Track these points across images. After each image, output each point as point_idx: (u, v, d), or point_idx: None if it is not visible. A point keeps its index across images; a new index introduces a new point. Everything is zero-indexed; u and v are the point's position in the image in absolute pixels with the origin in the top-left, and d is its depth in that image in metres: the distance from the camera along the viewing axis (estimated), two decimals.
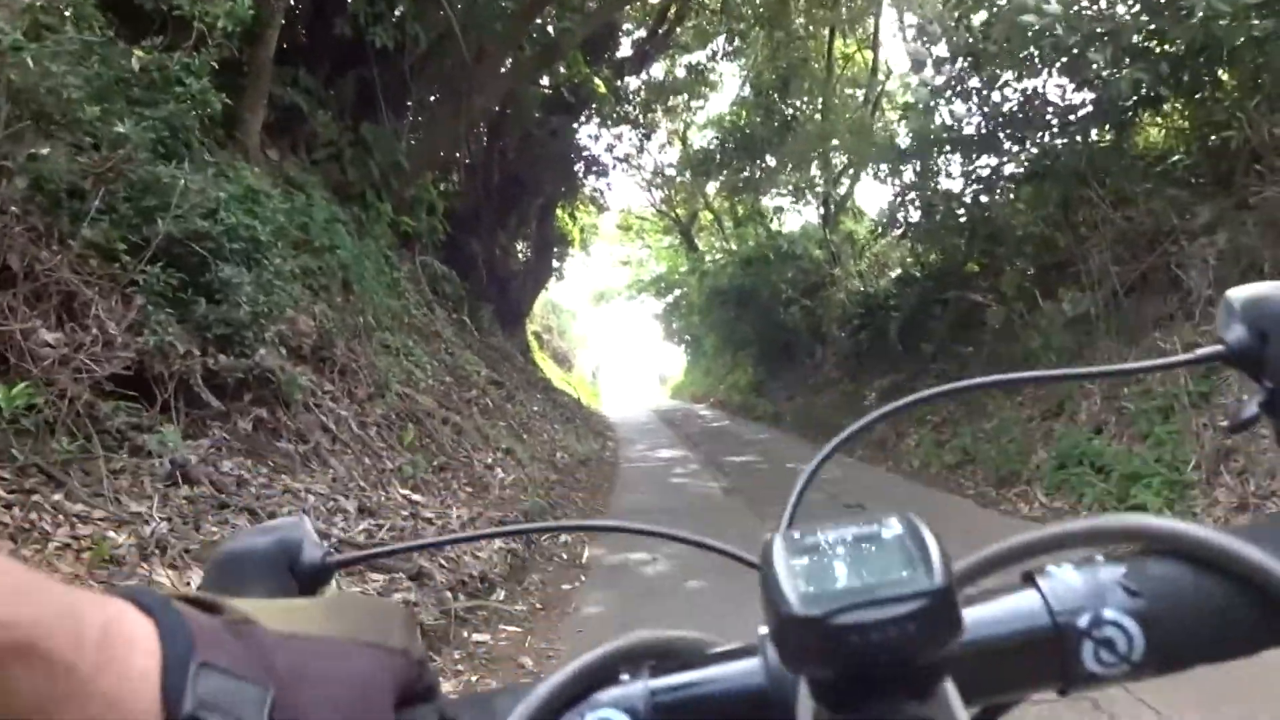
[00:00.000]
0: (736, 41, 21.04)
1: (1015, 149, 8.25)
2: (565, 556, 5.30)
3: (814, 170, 19.66)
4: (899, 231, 10.81)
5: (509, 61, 10.94)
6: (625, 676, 0.38)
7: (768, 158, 18.49)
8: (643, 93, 21.41)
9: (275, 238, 5.08)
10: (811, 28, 19.21)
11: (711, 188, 27.68)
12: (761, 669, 0.37)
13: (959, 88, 8.18)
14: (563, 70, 18.71)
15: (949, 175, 9.64)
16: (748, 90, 20.76)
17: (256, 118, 8.01)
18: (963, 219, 9.28)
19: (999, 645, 0.36)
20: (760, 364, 20.87)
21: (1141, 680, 0.37)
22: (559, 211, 23.37)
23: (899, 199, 10.17)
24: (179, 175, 4.35)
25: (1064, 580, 0.37)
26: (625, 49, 20.85)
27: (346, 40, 10.42)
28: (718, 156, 19.16)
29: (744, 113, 19.33)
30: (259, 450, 4.58)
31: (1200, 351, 0.48)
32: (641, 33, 20.69)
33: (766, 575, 0.32)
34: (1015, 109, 8.03)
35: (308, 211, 7.68)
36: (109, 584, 2.84)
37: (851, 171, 18.44)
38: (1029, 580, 0.37)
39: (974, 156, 8.68)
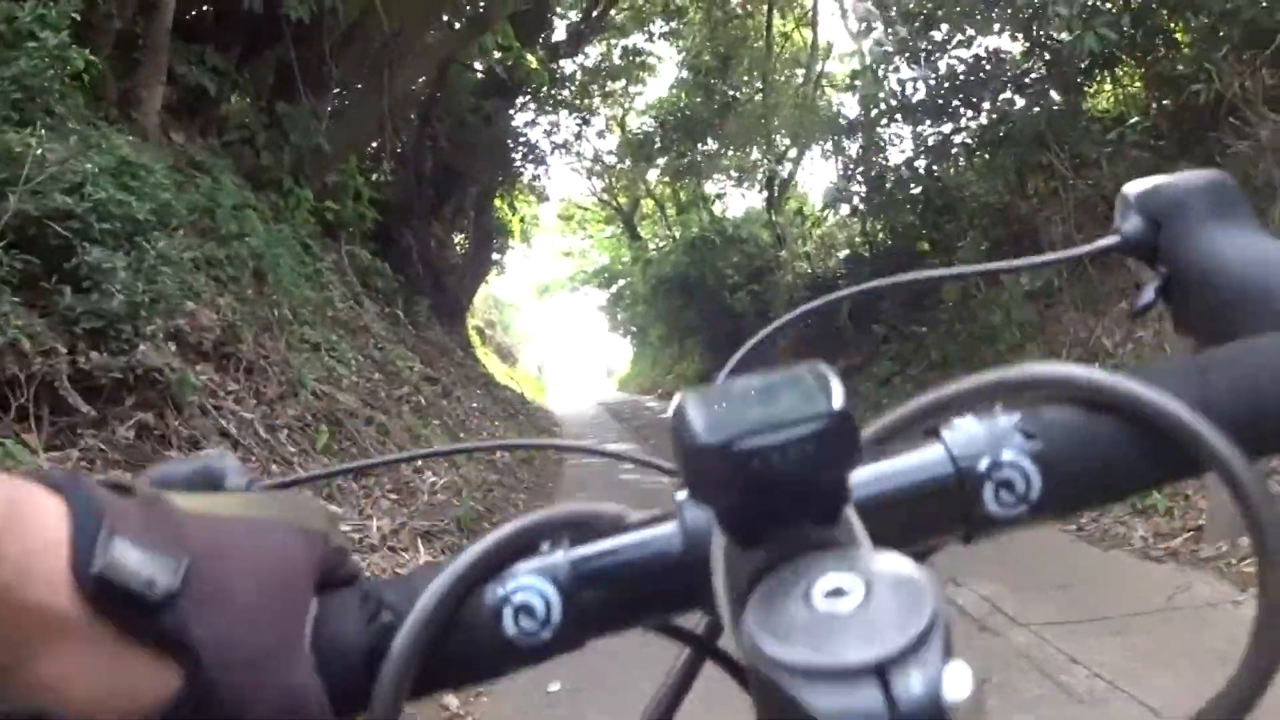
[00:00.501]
0: (674, 23, 20.59)
1: (968, 114, 7.88)
2: None
3: (756, 152, 19.26)
4: (847, 208, 10.39)
5: (433, 34, 10.28)
6: (545, 547, 0.38)
7: (709, 140, 18.00)
8: (579, 76, 20.85)
9: (159, 217, 4.45)
10: (749, 6, 18.81)
11: (653, 175, 27.24)
12: (678, 530, 0.37)
13: (910, 50, 7.77)
14: (496, 52, 18.12)
15: (897, 147, 9.27)
16: (686, 73, 20.28)
17: (154, 95, 7.33)
18: (915, 191, 8.88)
19: (906, 494, 0.37)
20: (708, 352, 20.45)
21: (1041, 522, 0.37)
22: (498, 201, 22.70)
23: (847, 174, 9.75)
24: (32, 143, 3.72)
25: (965, 429, 0.37)
26: (560, 33, 20.34)
27: (258, 17, 9.74)
28: (657, 140, 18.64)
29: (683, 95, 18.85)
30: (142, 460, 3.97)
31: (1100, 242, 0.50)
32: (575, 15, 20.16)
33: (678, 417, 0.32)
34: (967, 71, 7.65)
35: (213, 196, 7.02)
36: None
37: (795, 151, 18.06)
38: (933, 434, 0.38)
39: (925, 123, 8.30)
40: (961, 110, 7.88)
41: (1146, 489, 0.39)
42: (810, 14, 18.60)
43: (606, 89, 22.79)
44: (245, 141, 8.68)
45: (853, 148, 10.16)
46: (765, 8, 18.22)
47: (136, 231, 4.16)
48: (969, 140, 7.94)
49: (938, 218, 8.80)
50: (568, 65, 20.78)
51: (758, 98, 17.13)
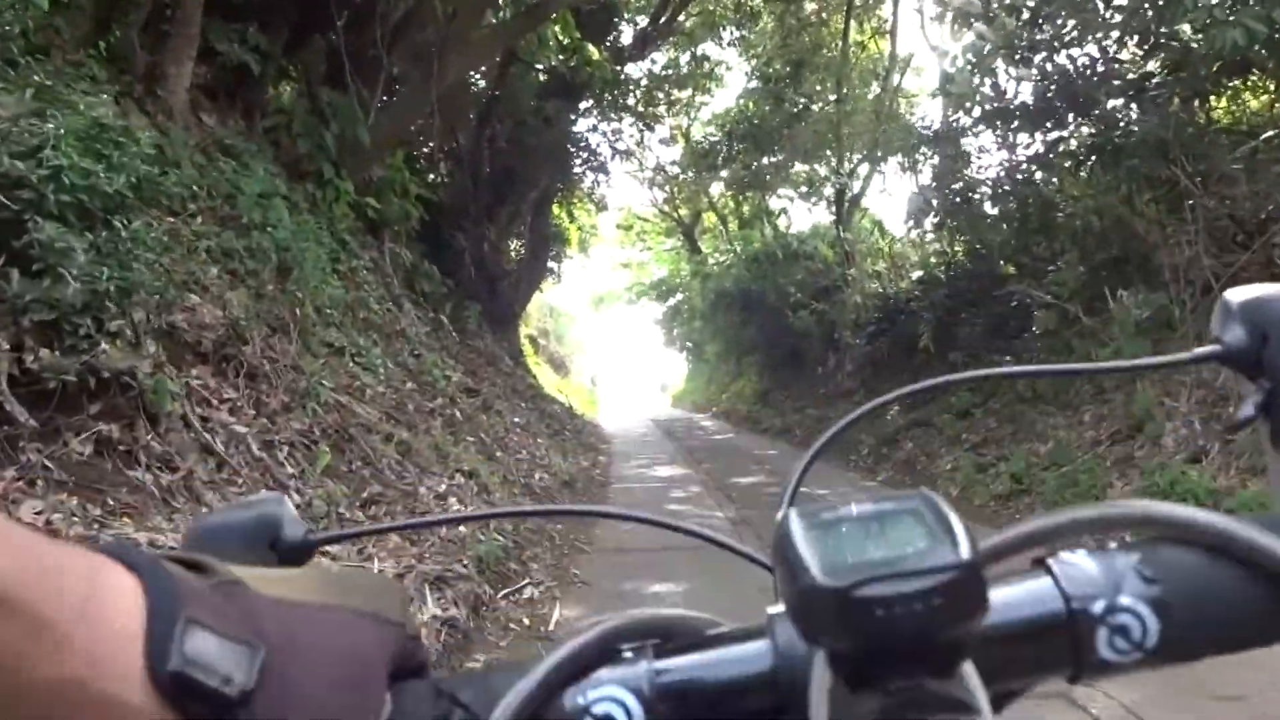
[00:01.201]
0: (745, 31, 19.84)
1: (1076, 121, 6.98)
2: (526, 622, 4.05)
3: (825, 166, 18.42)
4: (932, 223, 9.51)
5: (489, 23, 9.64)
6: (628, 654, 0.37)
7: (777, 151, 17.19)
8: (645, 83, 20.18)
9: (139, 194, 3.82)
10: (825, 14, 18.00)
11: (716, 188, 26.50)
12: (769, 650, 0.36)
13: (1013, 47, 6.92)
14: (560, 54, 17.54)
15: (989, 156, 8.36)
16: (755, 82, 19.51)
17: (183, 72, 6.78)
18: (1010, 206, 7.97)
19: (1012, 630, 0.35)
20: (767, 372, 19.62)
21: (1155, 669, 0.35)
22: (555, 208, 22.11)
23: (933, 185, 8.87)
24: None
25: (1079, 566, 0.36)
26: (627, 37, 19.71)
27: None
28: (723, 149, 17.86)
29: (751, 104, 18.06)
30: (97, 483, 3.33)
31: (1198, 351, 0.48)
32: (643, 20, 19.51)
33: (783, 549, 0.31)
34: (1077, 74, 6.78)
35: (237, 182, 6.45)
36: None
37: (865, 167, 17.18)
38: (1042, 565, 0.36)
39: (1024, 131, 7.43)
40: (1068, 117, 6.99)
41: (1270, 643, 0.36)
42: (889, 23, 17.73)
43: (672, 97, 22.12)
44: (283, 128, 8.12)
45: (935, 159, 9.28)
46: (842, 15, 17.42)
47: (109, 208, 3.52)
48: (1077, 150, 7.03)
49: (1031, 237, 7.88)
50: (634, 71, 20.19)
51: (830, 108, 16.27)
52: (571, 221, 23.49)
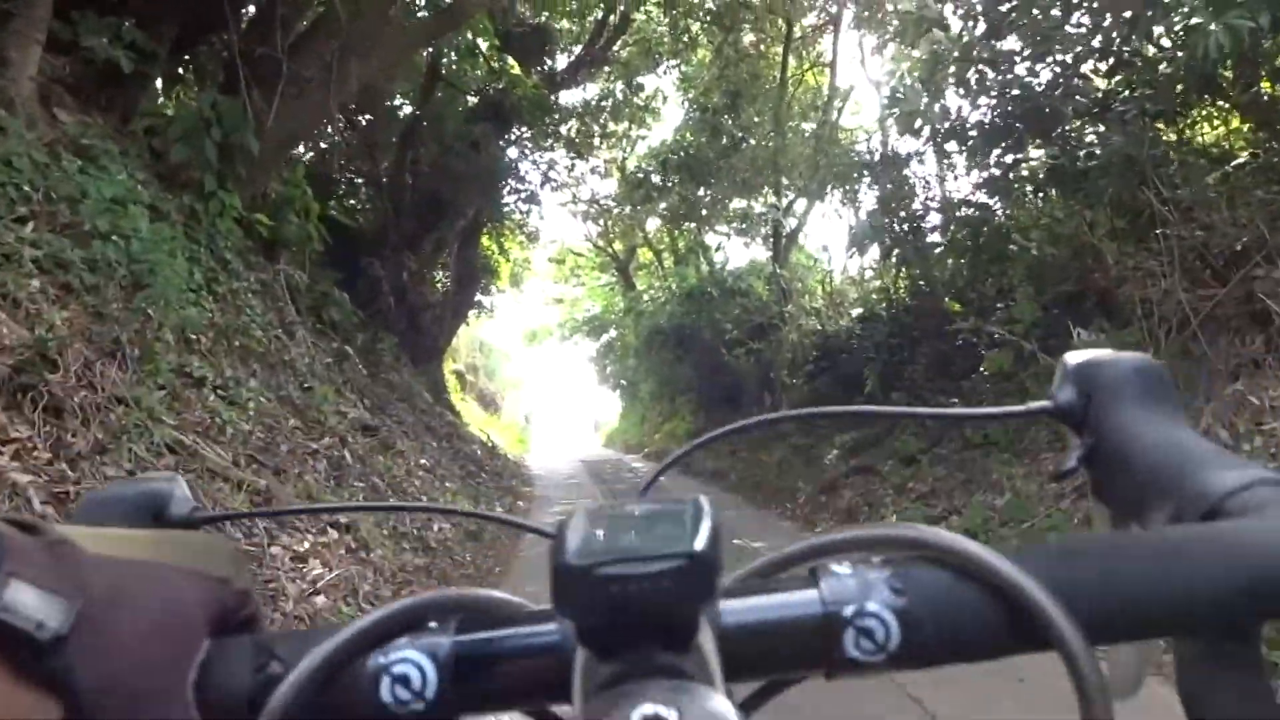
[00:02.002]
0: (680, 61, 19.35)
1: (1037, 141, 6.38)
2: None
3: (762, 201, 17.90)
4: (873, 255, 8.89)
5: (397, 24, 8.83)
6: (433, 625, 0.40)
7: (713, 183, 16.61)
8: (579, 113, 19.55)
9: None
10: (763, 46, 17.58)
11: (652, 224, 25.90)
12: (558, 629, 0.39)
13: (970, 59, 6.33)
14: (487, 75, 16.81)
15: (939, 182, 7.78)
16: (692, 113, 19.00)
17: (27, 58, 5.88)
18: (962, 235, 7.36)
19: (775, 628, 0.39)
20: (701, 412, 18.90)
21: (899, 671, 0.39)
22: (485, 239, 21.27)
23: (878, 211, 8.24)
24: None
25: (839, 576, 0.39)
26: (562, 64, 19.08)
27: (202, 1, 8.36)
28: (657, 179, 17.24)
29: (688, 134, 17.50)
30: None
31: (1031, 405, 0.53)
32: (578, 49, 18.92)
33: (558, 536, 0.34)
34: (1040, 90, 6.21)
35: (86, 185, 5.53)
36: None
37: (803, 202, 16.69)
38: (811, 573, 0.40)
39: (982, 153, 6.84)
40: (1025, 138, 6.39)
41: (1000, 656, 0.40)
42: (829, 57, 17.38)
43: (608, 129, 21.51)
44: (160, 132, 7.20)
45: (878, 188, 8.70)
46: (781, 47, 17.01)
47: None
48: (1034, 173, 6.42)
49: (985, 268, 7.27)
50: (568, 99, 19.55)
51: (768, 140, 15.76)
52: (502, 254, 22.66)
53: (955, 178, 7.89)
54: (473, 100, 17.08)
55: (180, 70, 8.94)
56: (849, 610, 0.38)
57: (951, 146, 7.03)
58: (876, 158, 8.65)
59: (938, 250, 7.54)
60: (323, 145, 16.11)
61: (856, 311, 12.85)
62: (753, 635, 0.39)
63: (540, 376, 56.37)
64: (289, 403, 6.78)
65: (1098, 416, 0.50)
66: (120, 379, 4.39)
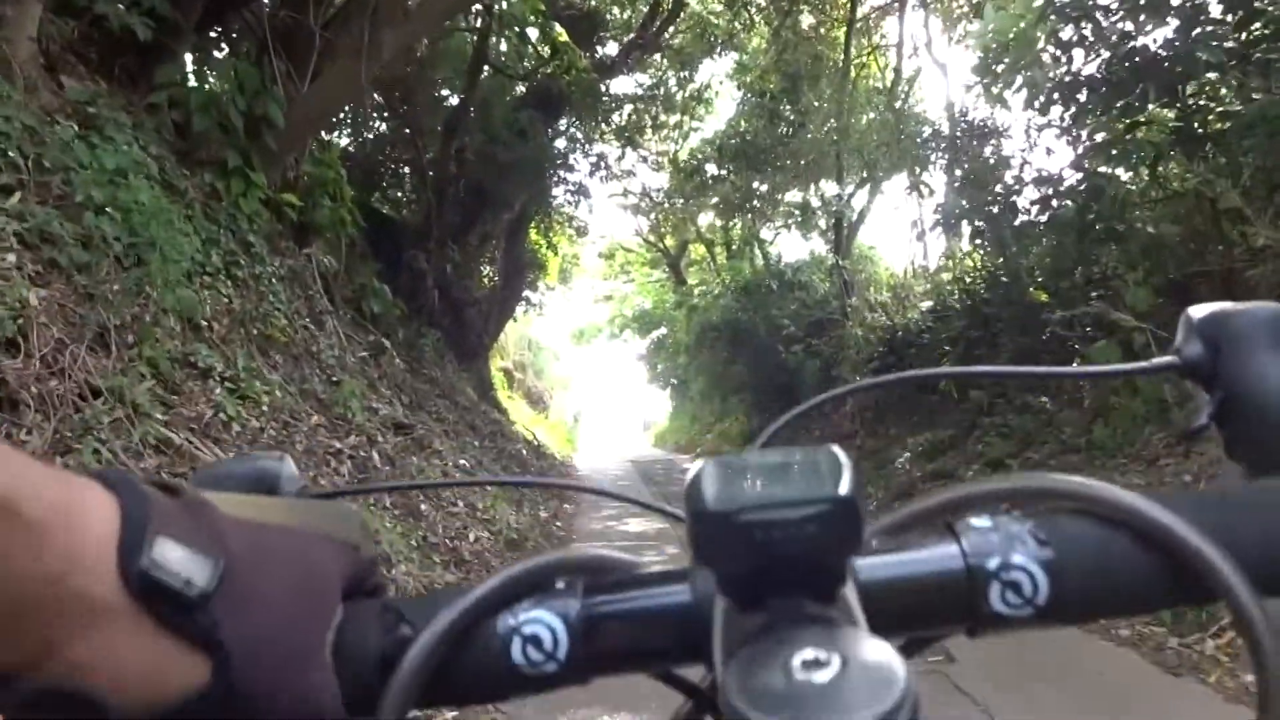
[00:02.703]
0: (736, 45, 18.55)
1: (1159, 100, 5.50)
2: None
3: (818, 191, 17.07)
4: (964, 235, 8.05)
5: None
6: (561, 585, 0.40)
7: (770, 173, 15.81)
8: (630, 99, 18.82)
9: None
10: (824, 29, 16.75)
11: (704, 219, 25.16)
12: (688, 590, 0.39)
13: (1084, 10, 5.46)
14: (535, 61, 16.18)
15: (1029, 156, 6.92)
16: (747, 102, 18.22)
17: (25, 18, 5.32)
18: (1064, 208, 6.46)
19: (917, 583, 0.38)
20: (755, 412, 18.10)
21: (1047, 626, 0.38)
22: (533, 233, 20.69)
23: (968, 190, 7.36)
24: None
25: (979, 529, 0.38)
26: (612, 51, 18.39)
27: None
28: (712, 168, 16.47)
29: (743, 121, 16.72)
30: None
31: (1157, 360, 0.51)
32: (629, 36, 18.21)
33: (692, 486, 0.34)
34: (1163, 43, 5.35)
35: (80, 151, 4.96)
36: None
37: (865, 193, 15.84)
38: (949, 529, 0.39)
39: (1094, 114, 5.99)
40: (1148, 95, 5.51)
41: (1156, 609, 0.39)
42: (893, 40, 16.51)
43: (659, 120, 20.79)
44: (179, 103, 6.65)
45: (964, 164, 7.87)
46: (842, 30, 16.18)
47: None
48: (1155, 137, 5.56)
49: (1096, 248, 6.41)
50: (619, 89, 18.84)
51: (830, 126, 14.94)
52: (550, 249, 22.04)
53: (1049, 152, 7.04)
54: (520, 89, 16.50)
55: (210, 44, 8.41)
56: (993, 563, 0.37)
57: (1050, 113, 6.18)
58: (959, 130, 7.81)
59: (1037, 229, 6.67)
60: (366, 135, 15.72)
61: (926, 304, 11.99)
62: (894, 589, 0.38)
63: (589, 375, 55.86)
64: (312, 397, 6.19)
65: (1229, 370, 0.48)
66: (100, 367, 3.79)
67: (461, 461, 8.13)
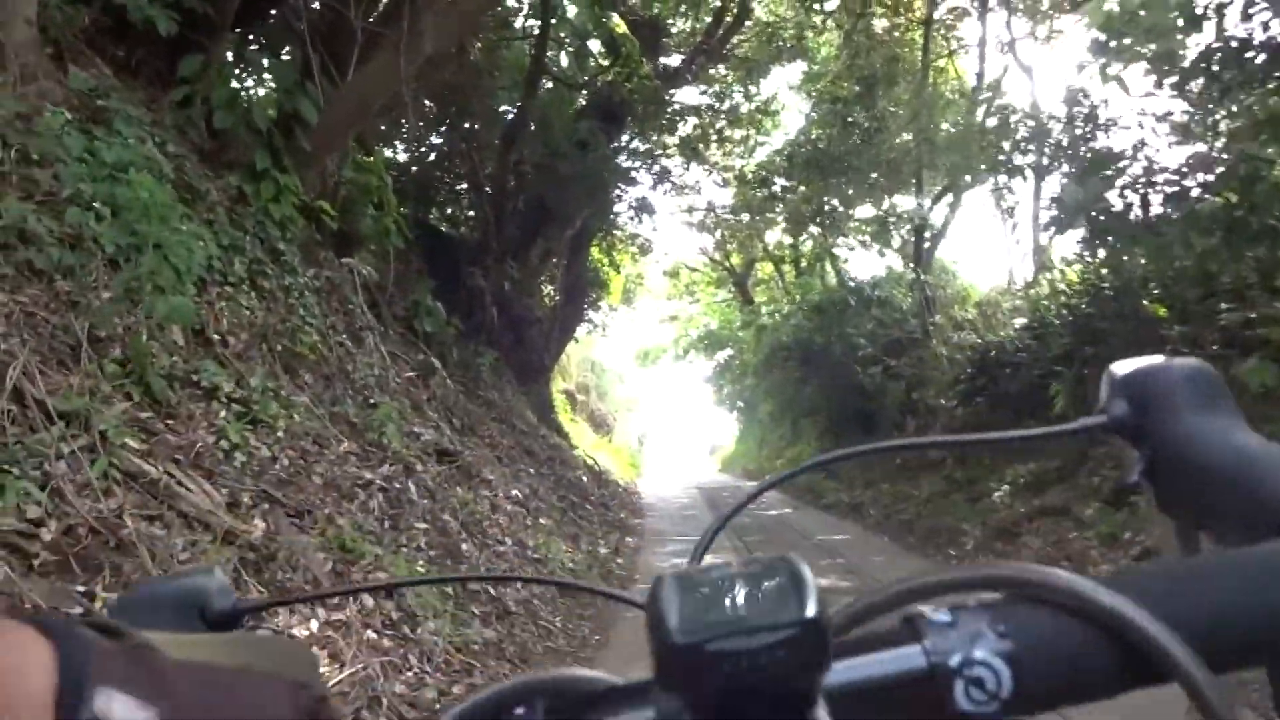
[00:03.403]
0: (805, 52, 17.71)
1: None
2: None
3: (897, 200, 16.11)
4: (1082, 236, 7.10)
5: None
6: (520, 711, 0.38)
7: (844, 184, 14.93)
8: (695, 110, 18.06)
9: None
10: (898, 32, 15.87)
11: (771, 237, 24.30)
12: (651, 711, 0.37)
13: None
14: (595, 69, 15.57)
15: (1155, 145, 5.98)
16: (818, 110, 17.38)
17: (22, 3, 4.78)
18: (1204, 203, 5.51)
19: (879, 684, 0.37)
20: (829, 437, 17.15)
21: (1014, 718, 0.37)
22: (595, 251, 20.05)
23: (1085, 184, 6.42)
24: None
25: (939, 623, 0.38)
26: (675, 60, 17.71)
27: None
28: (781, 181, 15.63)
29: (814, 130, 15.88)
30: None
31: (1085, 420, 0.51)
32: (694, 43, 17.51)
33: (653, 607, 0.33)
34: None
35: (73, 144, 4.36)
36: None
37: (946, 204, 14.87)
38: (908, 623, 0.39)
39: (1252, 85, 5.07)
40: None
41: (1115, 694, 0.38)
42: (975, 42, 15.57)
43: (724, 134, 20.03)
44: (199, 100, 6.08)
45: (1078, 156, 6.95)
46: (917, 32, 15.30)
47: None
48: None
49: (1250, 245, 5.42)
50: (683, 99, 18.10)
51: (908, 132, 14.02)
52: (613, 267, 21.37)
53: (1180, 138, 6.05)
54: (581, 101, 15.90)
55: (248, 41, 7.89)
56: (955, 660, 0.36)
57: (1215, 77, 5.22)
58: (1078, 116, 6.87)
59: (1172, 226, 5.71)
60: (422, 149, 15.25)
61: (1020, 321, 10.99)
62: (859, 695, 0.36)
63: (654, 398, 55.11)
64: (343, 421, 5.52)
65: (1155, 427, 0.48)
66: (61, 382, 3.13)
67: (514, 492, 7.41)
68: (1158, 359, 0.50)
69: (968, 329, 12.00)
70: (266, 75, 6.16)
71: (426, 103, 11.79)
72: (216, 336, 4.73)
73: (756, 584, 0.34)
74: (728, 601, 0.33)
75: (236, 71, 6.31)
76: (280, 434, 4.45)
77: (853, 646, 0.38)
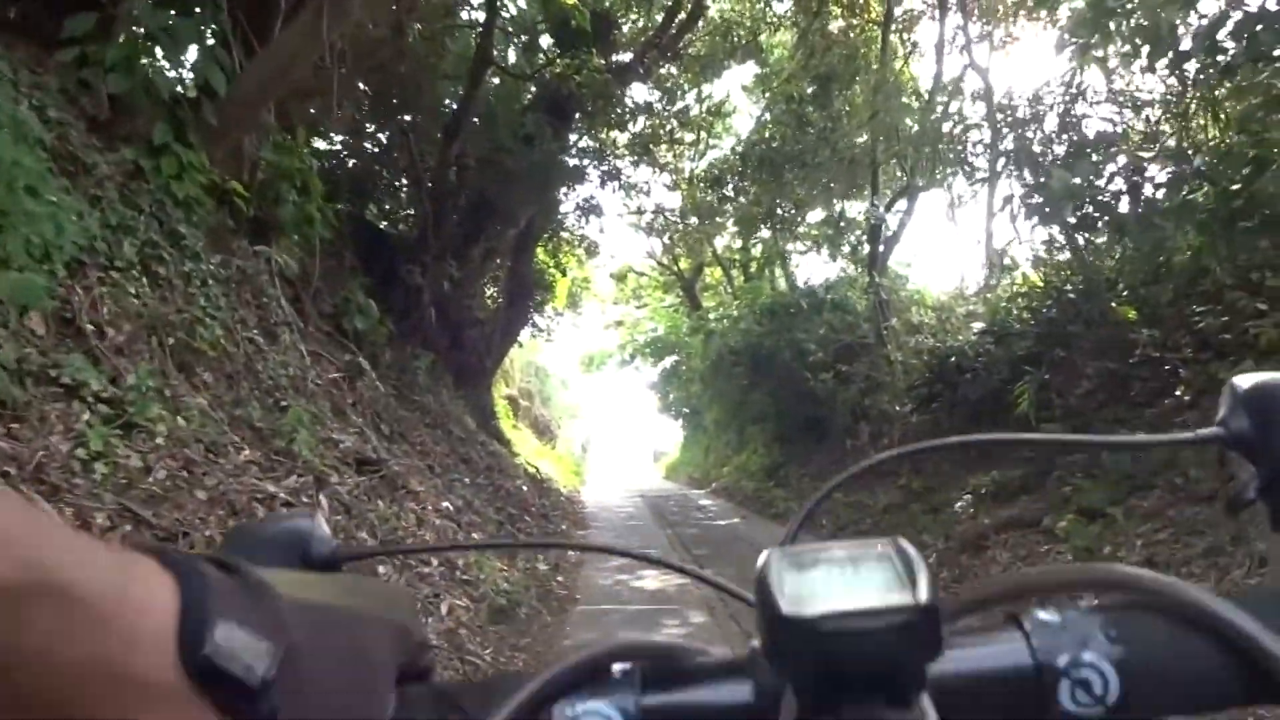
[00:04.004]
0: (759, 51, 17.30)
1: None
2: None
3: (840, 206, 15.77)
4: (1046, 237, 6.71)
5: None
6: (619, 675, 0.38)
7: (796, 184, 14.51)
8: (646, 107, 17.54)
9: None
10: (853, 33, 15.53)
11: (721, 242, 23.89)
12: (749, 684, 0.37)
13: None
14: (541, 60, 14.98)
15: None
16: (771, 112, 16.99)
17: None
18: (1207, 184, 5.07)
19: (982, 679, 0.37)
20: (777, 444, 16.75)
21: None
22: (540, 253, 19.43)
23: (1074, 170, 5.99)
24: None
25: (1047, 622, 0.37)
26: (626, 56, 17.16)
27: None
28: (735, 178, 15.16)
29: (767, 129, 15.45)
30: None
31: (1201, 432, 0.50)
32: (643, 40, 17.00)
33: (760, 584, 0.33)
34: None
35: None
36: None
37: (903, 201, 14.53)
38: (1013, 620, 0.38)
39: (1263, 59, 4.65)
40: None
41: (1228, 708, 0.37)
42: (930, 43, 15.28)
43: (675, 135, 19.53)
44: (95, 65, 5.39)
45: (1064, 140, 6.54)
46: (872, 32, 14.98)
47: None
48: None
49: (1249, 239, 4.99)
50: (634, 99, 17.56)
51: (864, 131, 13.64)
52: (559, 269, 20.75)
53: (1175, 122, 5.65)
54: (529, 96, 15.29)
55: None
56: (1063, 660, 0.36)
57: (1184, 67, 4.83)
58: (1062, 101, 6.47)
59: (1163, 216, 5.29)
60: (361, 142, 14.50)
61: (978, 326, 10.64)
62: (961, 687, 0.36)
63: (598, 404, 54.55)
64: (246, 425, 4.88)
65: (1277, 444, 0.46)
66: None
67: (445, 504, 6.80)
68: None
69: (925, 333, 11.63)
70: (171, 39, 5.49)
71: (362, 86, 11.09)
72: (91, 326, 4.08)
73: (868, 565, 0.33)
74: (841, 581, 0.32)
75: (139, 32, 5.61)
76: (160, 440, 3.81)
77: (959, 639, 0.37)
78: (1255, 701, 0.36)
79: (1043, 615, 0.37)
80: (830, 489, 0.58)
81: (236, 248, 6.47)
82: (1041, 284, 9.38)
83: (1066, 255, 8.95)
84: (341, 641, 0.36)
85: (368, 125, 14.53)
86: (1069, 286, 8.61)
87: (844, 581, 0.32)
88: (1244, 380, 0.49)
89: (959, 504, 8.14)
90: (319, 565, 0.49)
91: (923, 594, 0.31)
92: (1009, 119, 7.06)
